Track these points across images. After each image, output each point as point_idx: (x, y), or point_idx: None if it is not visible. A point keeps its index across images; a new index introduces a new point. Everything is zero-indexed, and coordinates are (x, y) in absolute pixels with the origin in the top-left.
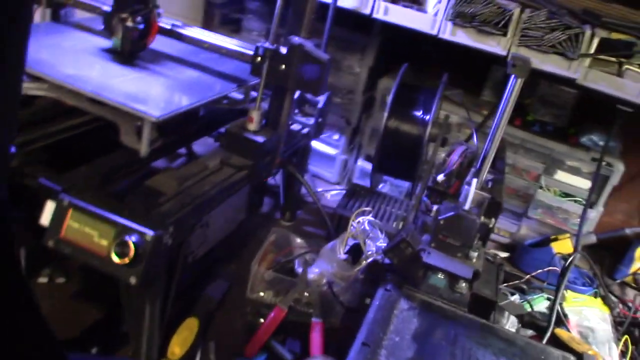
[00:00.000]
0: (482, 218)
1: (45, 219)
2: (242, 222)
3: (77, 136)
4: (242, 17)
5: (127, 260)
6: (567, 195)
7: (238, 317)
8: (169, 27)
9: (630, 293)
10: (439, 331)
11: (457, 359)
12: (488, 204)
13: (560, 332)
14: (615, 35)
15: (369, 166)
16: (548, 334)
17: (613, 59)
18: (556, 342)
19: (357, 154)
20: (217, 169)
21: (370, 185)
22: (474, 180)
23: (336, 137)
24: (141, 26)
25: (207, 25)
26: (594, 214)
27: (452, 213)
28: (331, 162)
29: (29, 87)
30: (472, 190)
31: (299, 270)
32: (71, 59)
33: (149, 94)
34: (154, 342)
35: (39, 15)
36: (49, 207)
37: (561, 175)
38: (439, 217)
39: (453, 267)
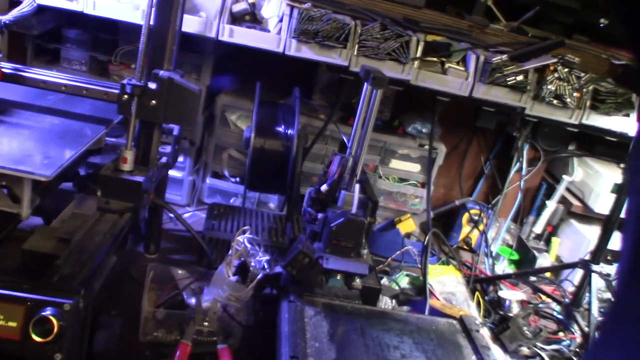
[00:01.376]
0: (368, 218)
1: None
2: (112, 265)
3: None
4: (60, 47)
5: (50, 337)
6: (402, 180)
7: None
8: (10, 71)
9: (465, 255)
10: (348, 327)
11: (371, 348)
12: (368, 205)
13: (434, 302)
14: (430, 37)
15: (218, 183)
16: (427, 307)
17: (436, 59)
18: (433, 311)
19: (203, 173)
20: (98, 217)
21: (243, 205)
22: (357, 186)
23: (181, 159)
24: None
25: (16, 58)
26: (425, 193)
27: (343, 219)
28: (179, 185)
29: None
30: (356, 195)
31: (190, 301)
32: None
33: (21, 150)
34: None
35: None
36: None
37: (395, 163)
38: (332, 224)
39: (351, 267)
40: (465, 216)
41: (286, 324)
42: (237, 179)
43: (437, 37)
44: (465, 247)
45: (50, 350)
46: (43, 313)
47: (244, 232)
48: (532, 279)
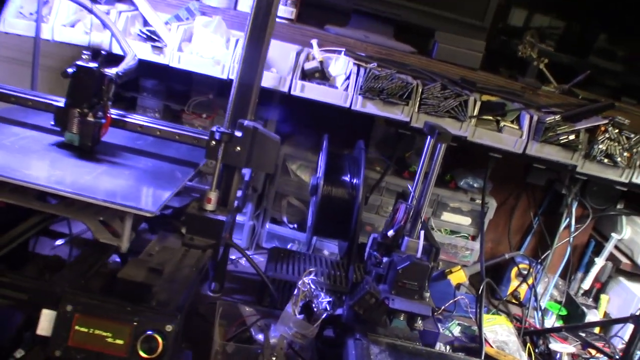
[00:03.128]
0: (432, 263)
1: (44, 329)
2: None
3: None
4: (137, 96)
5: (155, 354)
6: (453, 232)
7: None
8: (116, 117)
9: (513, 309)
10: None
11: None
12: (431, 250)
13: (489, 350)
14: (485, 98)
15: (276, 229)
16: (483, 353)
17: (491, 117)
18: (488, 358)
19: (263, 219)
20: (184, 252)
21: (307, 248)
22: (422, 232)
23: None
24: (102, 120)
25: None
26: (476, 246)
27: (408, 262)
28: (240, 229)
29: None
30: (420, 242)
31: (257, 337)
32: (27, 158)
33: (124, 187)
34: None
35: None
36: (46, 315)
37: (446, 216)
38: (398, 267)
39: (415, 308)
40: (514, 270)
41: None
42: (295, 225)
43: (492, 97)
44: (514, 300)
45: None
46: (149, 332)
47: (309, 274)
48: (582, 334)
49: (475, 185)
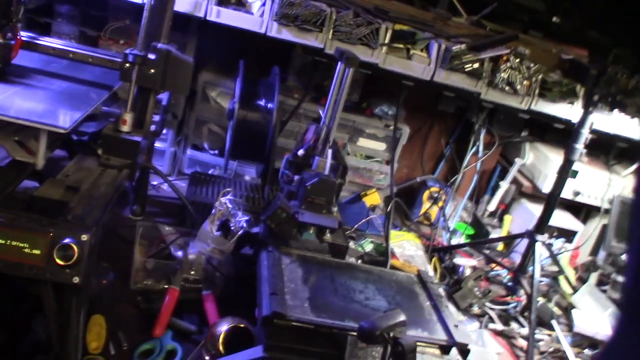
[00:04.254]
0: (338, 179)
1: None
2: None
3: None
4: (51, 22)
5: (71, 261)
6: (368, 157)
7: (132, 307)
8: (27, 39)
9: (425, 229)
10: (320, 274)
11: (340, 291)
12: (339, 168)
13: (394, 262)
14: (398, 27)
15: (198, 155)
16: (389, 263)
17: (402, 46)
18: (393, 269)
19: (184, 145)
20: (100, 172)
21: (225, 171)
22: (329, 151)
23: (164, 131)
24: (12, 42)
25: None
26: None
27: (317, 179)
28: (161, 156)
29: None
30: (328, 160)
31: (177, 254)
32: None
33: (39, 107)
34: (79, 342)
35: None
36: None
37: (362, 142)
38: (307, 184)
39: (323, 221)
40: (426, 193)
41: (266, 269)
42: (216, 152)
43: (404, 26)
44: (425, 222)
45: (70, 274)
46: (65, 241)
47: (225, 194)
48: (486, 251)
49: (389, 112)
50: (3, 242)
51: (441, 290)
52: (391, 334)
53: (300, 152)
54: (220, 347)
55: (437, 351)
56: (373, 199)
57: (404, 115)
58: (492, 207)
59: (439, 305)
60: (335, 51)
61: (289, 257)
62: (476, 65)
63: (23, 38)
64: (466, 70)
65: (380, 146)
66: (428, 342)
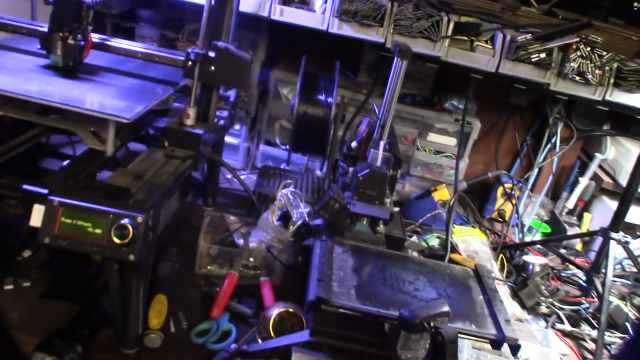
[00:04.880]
0: (391, 171)
1: (36, 220)
2: (175, 211)
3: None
4: (135, 26)
5: (126, 240)
6: (438, 152)
7: (194, 290)
8: (98, 41)
9: (498, 225)
10: (370, 264)
11: (388, 281)
12: (392, 160)
13: (454, 256)
14: (464, 19)
15: (270, 150)
16: (447, 256)
17: (465, 38)
18: (453, 263)
19: (257, 141)
20: (165, 162)
21: (288, 164)
22: (381, 143)
23: (237, 127)
24: (82, 43)
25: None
26: (462, 165)
27: (368, 170)
28: (235, 151)
29: None
30: (380, 152)
31: (239, 241)
32: (23, 78)
33: (108, 101)
34: (140, 317)
35: None
36: (37, 209)
37: (432, 137)
38: (358, 175)
39: (374, 212)
40: (500, 189)
41: (317, 257)
42: (287, 147)
43: (470, 18)
44: (499, 219)
45: (126, 252)
46: (122, 222)
47: (286, 186)
48: (562, 250)
49: (460, 106)
50: (70, 221)
51: (503, 286)
52: (432, 324)
53: (354, 144)
54: (271, 330)
55: (488, 345)
56: (442, 194)
57: (475, 110)
58: (570, 204)
59: (492, 299)
60: (392, 45)
61: (342, 246)
62: (543, 55)
63: (94, 40)
64: (533, 60)
65: (451, 141)
66: (474, 334)
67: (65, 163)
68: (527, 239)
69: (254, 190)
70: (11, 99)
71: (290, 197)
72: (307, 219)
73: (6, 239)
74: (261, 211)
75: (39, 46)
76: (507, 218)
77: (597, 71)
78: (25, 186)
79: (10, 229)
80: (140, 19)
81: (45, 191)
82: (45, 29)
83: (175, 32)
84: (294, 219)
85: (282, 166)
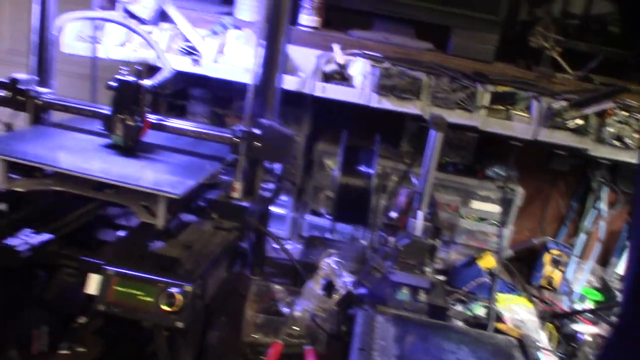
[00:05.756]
0: (431, 240)
1: (92, 288)
2: (223, 280)
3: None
4: (186, 104)
5: (175, 308)
6: (482, 219)
7: (241, 358)
8: (155, 122)
9: (546, 293)
10: (412, 334)
11: (430, 351)
12: (432, 230)
13: (499, 325)
14: (500, 88)
15: (315, 219)
16: (491, 325)
17: (502, 107)
18: (497, 333)
19: (303, 210)
20: (213, 233)
21: (331, 234)
22: (419, 213)
23: (284, 197)
24: (140, 124)
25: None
26: (507, 233)
27: (408, 240)
28: (282, 221)
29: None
30: (419, 221)
31: (284, 310)
32: (84, 156)
33: (160, 177)
34: None
35: (22, 119)
36: (94, 278)
37: (476, 204)
38: (398, 245)
39: (414, 281)
40: (547, 256)
41: (358, 326)
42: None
43: (506, 87)
44: (548, 287)
45: (174, 320)
46: (171, 290)
47: (329, 255)
48: (614, 319)
49: (502, 173)
50: (123, 290)
51: (551, 357)
52: None
53: (393, 214)
54: None
55: None
56: (488, 261)
57: (517, 176)
58: (621, 270)
59: None
60: (428, 117)
61: (384, 315)
62: (580, 121)
63: (151, 120)
64: (569, 127)
65: (495, 208)
66: None
67: (119, 233)
68: (577, 307)
69: (299, 260)
70: (70, 176)
71: (334, 266)
72: (351, 288)
73: (63, 306)
74: (306, 280)
75: (99, 127)
76: (556, 286)
77: (635, 135)
78: (83, 257)
79: (67, 296)
80: (192, 97)
81: (101, 262)
82: (108, 112)
83: (225, 108)
84: (337, 288)
85: (327, 235)
